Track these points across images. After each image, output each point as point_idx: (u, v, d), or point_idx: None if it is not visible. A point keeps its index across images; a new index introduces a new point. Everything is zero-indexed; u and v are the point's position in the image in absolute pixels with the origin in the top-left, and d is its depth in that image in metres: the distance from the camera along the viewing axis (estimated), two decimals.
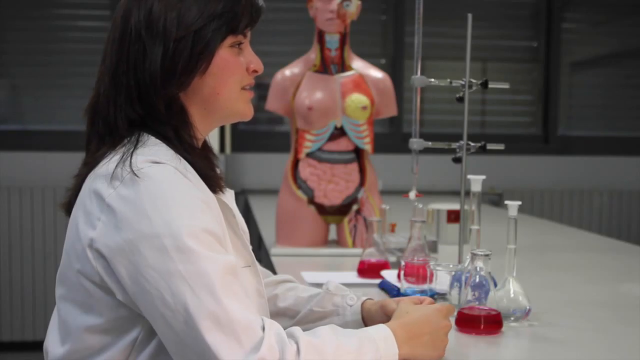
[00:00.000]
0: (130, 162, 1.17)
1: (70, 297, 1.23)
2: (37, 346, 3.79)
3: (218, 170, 1.33)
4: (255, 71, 1.32)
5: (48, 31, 4.35)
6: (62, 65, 4.37)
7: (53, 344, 1.25)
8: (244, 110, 1.33)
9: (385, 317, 1.37)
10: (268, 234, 2.58)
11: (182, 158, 1.22)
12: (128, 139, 1.23)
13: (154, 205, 1.13)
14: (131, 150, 1.20)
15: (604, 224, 4.52)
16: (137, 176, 1.15)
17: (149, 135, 1.24)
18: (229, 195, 1.34)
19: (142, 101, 1.24)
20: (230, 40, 1.27)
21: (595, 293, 1.92)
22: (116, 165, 1.18)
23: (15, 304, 4.11)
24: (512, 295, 1.57)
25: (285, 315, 1.48)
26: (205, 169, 1.27)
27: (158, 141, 1.23)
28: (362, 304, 1.44)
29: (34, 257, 4.10)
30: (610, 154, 4.63)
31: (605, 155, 4.62)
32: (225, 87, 1.28)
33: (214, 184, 1.28)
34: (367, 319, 1.42)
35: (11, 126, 4.35)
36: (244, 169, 4.31)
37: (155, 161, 1.18)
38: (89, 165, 1.25)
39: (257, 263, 1.37)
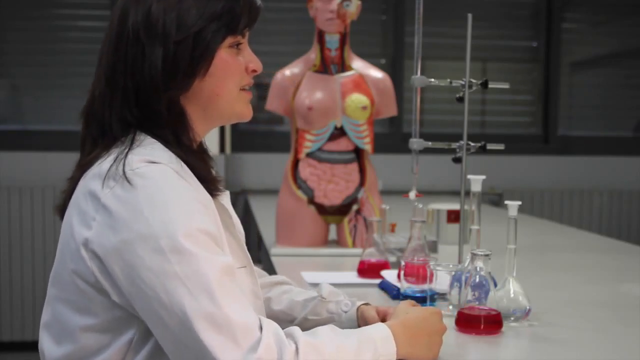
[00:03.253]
0: (125, 161, 1.16)
1: (64, 297, 1.22)
2: (37, 346, 3.81)
3: (215, 172, 1.32)
4: (254, 71, 1.31)
5: (48, 31, 4.35)
6: (62, 65, 4.37)
7: (49, 345, 1.25)
8: (243, 111, 1.32)
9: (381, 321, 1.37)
10: (268, 234, 2.58)
11: (178, 159, 1.21)
12: (122, 139, 1.22)
13: (150, 206, 1.12)
14: (126, 150, 1.19)
15: (604, 224, 4.52)
16: (133, 176, 1.14)
17: (145, 135, 1.22)
18: (224, 196, 1.33)
19: (140, 104, 1.22)
20: (229, 40, 1.26)
21: (595, 293, 1.92)
22: (111, 165, 1.17)
23: (15, 304, 4.10)
24: (512, 295, 1.57)
25: (279, 319, 1.45)
26: (202, 171, 1.26)
27: (154, 141, 1.22)
28: (357, 309, 1.44)
29: (34, 257, 4.10)
30: (610, 154, 4.63)
31: (605, 155, 4.62)
32: (224, 88, 1.27)
33: (212, 187, 1.27)
34: (362, 325, 1.40)
35: (11, 126, 4.35)
36: (244, 169, 4.30)
37: (151, 161, 1.17)
38: (83, 167, 1.24)
39: (252, 264, 1.36)
